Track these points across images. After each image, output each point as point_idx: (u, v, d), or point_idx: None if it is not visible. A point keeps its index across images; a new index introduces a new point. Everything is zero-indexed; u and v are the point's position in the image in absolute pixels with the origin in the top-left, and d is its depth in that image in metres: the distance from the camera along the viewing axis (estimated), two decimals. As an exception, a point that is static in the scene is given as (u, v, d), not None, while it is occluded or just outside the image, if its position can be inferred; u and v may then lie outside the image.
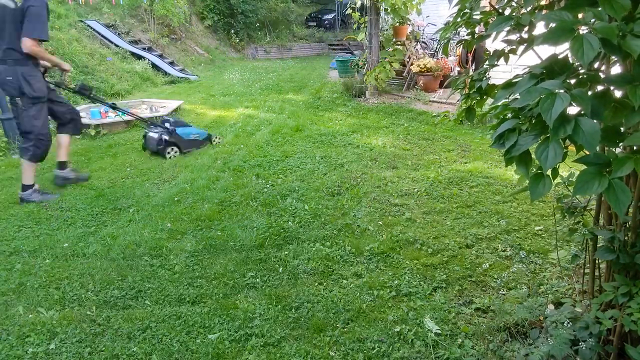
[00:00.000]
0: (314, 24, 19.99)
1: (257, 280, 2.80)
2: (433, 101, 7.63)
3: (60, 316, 2.52)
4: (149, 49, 12.26)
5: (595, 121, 1.10)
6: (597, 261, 1.95)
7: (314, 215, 3.61)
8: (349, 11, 9.08)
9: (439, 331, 2.25)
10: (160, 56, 12.24)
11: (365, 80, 8.07)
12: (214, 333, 2.34)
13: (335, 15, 19.88)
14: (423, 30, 9.50)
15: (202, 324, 2.41)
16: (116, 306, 2.61)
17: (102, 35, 11.20)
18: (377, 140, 5.65)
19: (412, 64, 8.34)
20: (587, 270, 2.13)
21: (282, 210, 3.74)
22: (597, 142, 1.06)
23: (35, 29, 3.74)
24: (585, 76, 1.25)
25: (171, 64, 12.22)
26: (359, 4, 8.87)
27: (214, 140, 5.78)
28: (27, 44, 3.74)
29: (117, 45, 11.14)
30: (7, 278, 2.92)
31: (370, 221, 3.49)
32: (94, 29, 11.22)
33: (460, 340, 2.19)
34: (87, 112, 7.13)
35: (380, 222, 3.47)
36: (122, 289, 2.77)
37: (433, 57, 8.67)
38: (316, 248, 3.13)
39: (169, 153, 5.31)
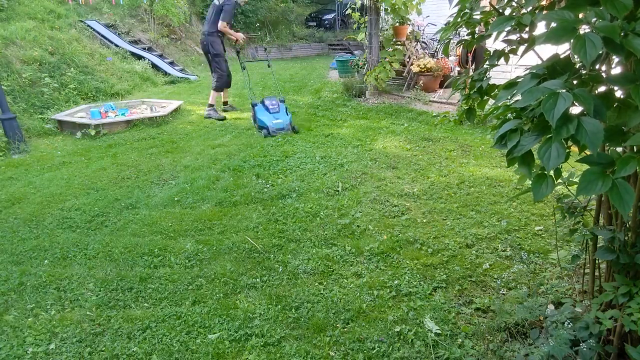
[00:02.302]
0: (314, 24, 19.97)
1: (257, 280, 2.80)
2: (433, 101, 7.63)
3: (60, 316, 2.52)
4: (149, 49, 12.26)
5: (598, 121, 1.09)
6: (597, 261, 1.95)
7: (314, 215, 3.61)
8: (349, 11, 9.07)
9: (439, 331, 2.25)
10: (160, 56, 12.24)
11: (365, 80, 8.07)
12: (214, 333, 2.33)
13: (335, 15, 19.86)
14: (423, 30, 9.50)
15: (202, 324, 2.40)
16: (116, 306, 2.61)
17: (102, 35, 11.19)
18: (377, 140, 5.65)
19: (412, 64, 8.33)
20: (587, 270, 2.13)
21: (282, 210, 3.73)
22: (600, 142, 1.05)
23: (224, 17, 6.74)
24: (587, 76, 1.24)
25: (171, 64, 12.21)
26: (359, 4, 8.87)
27: None
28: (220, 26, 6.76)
29: (117, 45, 11.14)
30: (7, 278, 2.92)
31: (370, 221, 3.49)
32: (94, 29, 11.21)
33: (460, 340, 2.19)
34: (87, 112, 7.13)
35: (380, 222, 3.47)
36: (122, 289, 2.76)
37: (433, 57, 8.66)
38: (316, 248, 3.13)
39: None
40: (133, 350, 2.23)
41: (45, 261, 3.11)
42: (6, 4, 9.83)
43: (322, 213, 3.65)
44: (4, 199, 4.25)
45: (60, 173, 4.96)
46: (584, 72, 1.25)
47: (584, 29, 1.10)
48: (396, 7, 7.53)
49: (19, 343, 2.32)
